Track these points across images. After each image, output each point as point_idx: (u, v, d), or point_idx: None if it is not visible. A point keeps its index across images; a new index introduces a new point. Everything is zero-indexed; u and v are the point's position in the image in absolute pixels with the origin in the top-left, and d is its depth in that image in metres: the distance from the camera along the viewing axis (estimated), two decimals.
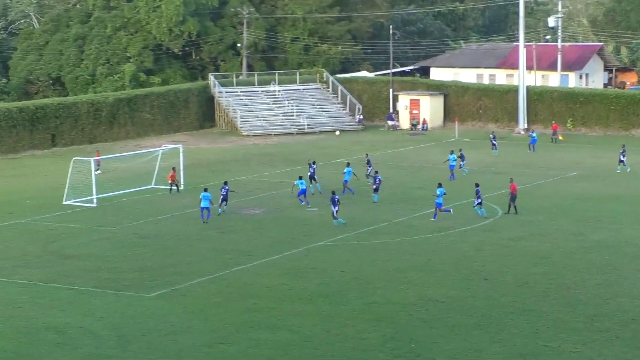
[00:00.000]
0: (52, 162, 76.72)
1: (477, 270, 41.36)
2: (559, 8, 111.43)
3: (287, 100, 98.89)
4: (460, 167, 66.17)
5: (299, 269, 41.97)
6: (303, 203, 55.45)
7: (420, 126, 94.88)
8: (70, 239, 48.83)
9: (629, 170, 67.30)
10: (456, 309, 35.76)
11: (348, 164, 61.37)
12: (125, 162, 68.99)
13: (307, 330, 33.69)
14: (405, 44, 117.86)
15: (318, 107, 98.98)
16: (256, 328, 33.99)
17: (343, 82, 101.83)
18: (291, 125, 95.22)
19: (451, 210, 52.03)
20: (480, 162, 72.05)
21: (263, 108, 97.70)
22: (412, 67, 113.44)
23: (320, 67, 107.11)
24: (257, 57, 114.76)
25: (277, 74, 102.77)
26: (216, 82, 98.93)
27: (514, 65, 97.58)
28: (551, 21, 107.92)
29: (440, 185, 52.44)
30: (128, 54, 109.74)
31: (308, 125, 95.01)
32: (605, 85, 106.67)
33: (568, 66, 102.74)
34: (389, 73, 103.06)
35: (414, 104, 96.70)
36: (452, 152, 65.93)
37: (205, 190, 52.00)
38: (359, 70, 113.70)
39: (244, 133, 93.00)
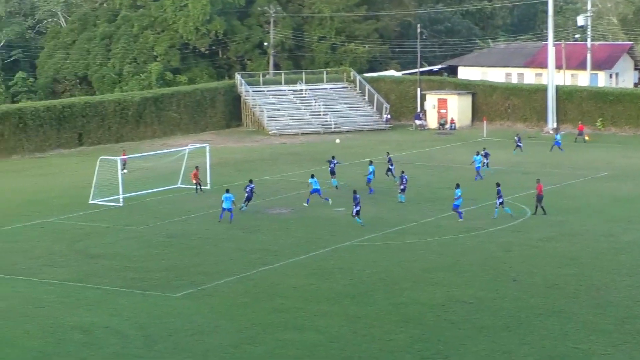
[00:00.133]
0: (78, 161, 77.04)
1: (505, 271, 41.16)
2: (589, 7, 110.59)
3: (314, 99, 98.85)
4: (484, 166, 65.75)
5: (325, 269, 41.90)
6: (307, 203, 55.50)
7: (448, 126, 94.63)
8: (97, 238, 48.96)
9: None
10: (484, 310, 35.58)
11: (371, 162, 61.33)
12: (151, 161, 69.14)
13: (334, 331, 33.59)
14: (433, 42, 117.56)
15: (345, 106, 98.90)
16: (283, 328, 33.95)
17: (370, 81, 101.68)
18: (318, 124, 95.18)
19: (462, 215, 51.43)
20: (507, 162, 71.74)
21: (290, 107, 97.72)
22: (439, 66, 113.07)
23: (347, 66, 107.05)
24: (284, 56, 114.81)
25: (304, 73, 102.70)
26: (243, 81, 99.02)
27: (543, 65, 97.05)
28: (580, 20, 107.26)
29: (458, 186, 52.12)
30: (155, 53, 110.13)
31: (335, 124, 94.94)
32: (635, 85, 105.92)
33: (598, 65, 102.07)
34: (416, 72, 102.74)
35: (442, 103, 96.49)
36: (477, 153, 65.72)
37: (227, 191, 52.03)
38: (386, 70, 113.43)
39: (270, 132, 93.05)
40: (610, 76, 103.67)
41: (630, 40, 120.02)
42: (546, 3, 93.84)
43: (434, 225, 50.54)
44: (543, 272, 40.94)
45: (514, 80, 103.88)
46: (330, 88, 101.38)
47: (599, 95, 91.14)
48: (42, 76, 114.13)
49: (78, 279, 40.87)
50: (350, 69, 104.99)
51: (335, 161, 62.44)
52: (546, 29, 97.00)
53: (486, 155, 66.71)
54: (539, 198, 52.65)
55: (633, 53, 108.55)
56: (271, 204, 56.92)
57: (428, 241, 47.11)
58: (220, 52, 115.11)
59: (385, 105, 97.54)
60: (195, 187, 60.76)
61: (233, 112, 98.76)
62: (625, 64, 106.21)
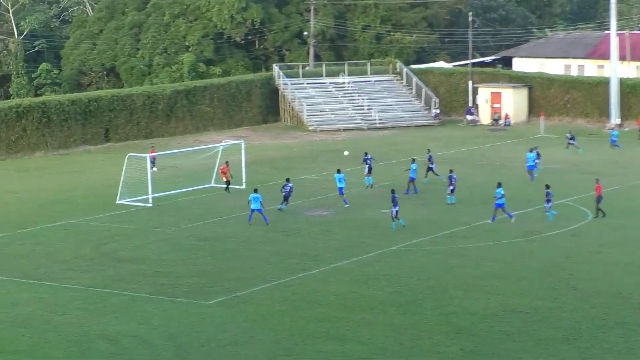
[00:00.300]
0: (105, 158, 77.47)
1: (564, 279, 40.94)
2: None
3: (357, 92, 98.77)
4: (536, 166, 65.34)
5: (369, 276, 41.84)
6: (347, 204, 55.47)
7: (502, 121, 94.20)
8: (124, 240, 49.18)
9: None
10: (542, 321, 35.40)
11: (413, 160, 61.11)
12: (182, 158, 69.41)
13: (378, 342, 33.54)
14: (486, 32, 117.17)
15: (391, 100, 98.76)
16: (324, 339, 33.92)
17: (418, 73, 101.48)
18: (361, 119, 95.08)
19: (512, 215, 51.18)
20: (566, 161, 71.31)
21: (331, 101, 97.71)
22: (493, 58, 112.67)
23: (393, 57, 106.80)
24: (325, 46, 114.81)
25: (346, 64, 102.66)
26: (281, 73, 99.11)
27: (605, 56, 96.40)
28: None
29: (499, 185, 51.74)
30: (187, 43, 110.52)
31: (380, 120, 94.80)
32: None
33: None
34: (468, 64, 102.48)
35: (496, 97, 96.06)
36: (530, 150, 65.07)
37: (255, 191, 52.03)
38: (435, 61, 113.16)
39: (310, 128, 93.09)
40: None
41: None
42: None
43: (487, 229, 50.33)
44: (606, 279, 40.75)
45: (574, 72, 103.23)
46: (375, 81, 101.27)
47: None
48: (67, 68, 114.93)
49: (104, 285, 41.04)
50: (397, 60, 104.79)
51: (369, 156, 62.36)
52: (609, 17, 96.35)
53: (537, 156, 66.17)
54: (598, 199, 52.35)
55: None
56: (311, 204, 56.95)
57: (481, 246, 46.95)
58: (256, 42, 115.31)
59: (434, 99, 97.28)
60: (224, 185, 60.60)
61: (270, 107, 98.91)
62: None
